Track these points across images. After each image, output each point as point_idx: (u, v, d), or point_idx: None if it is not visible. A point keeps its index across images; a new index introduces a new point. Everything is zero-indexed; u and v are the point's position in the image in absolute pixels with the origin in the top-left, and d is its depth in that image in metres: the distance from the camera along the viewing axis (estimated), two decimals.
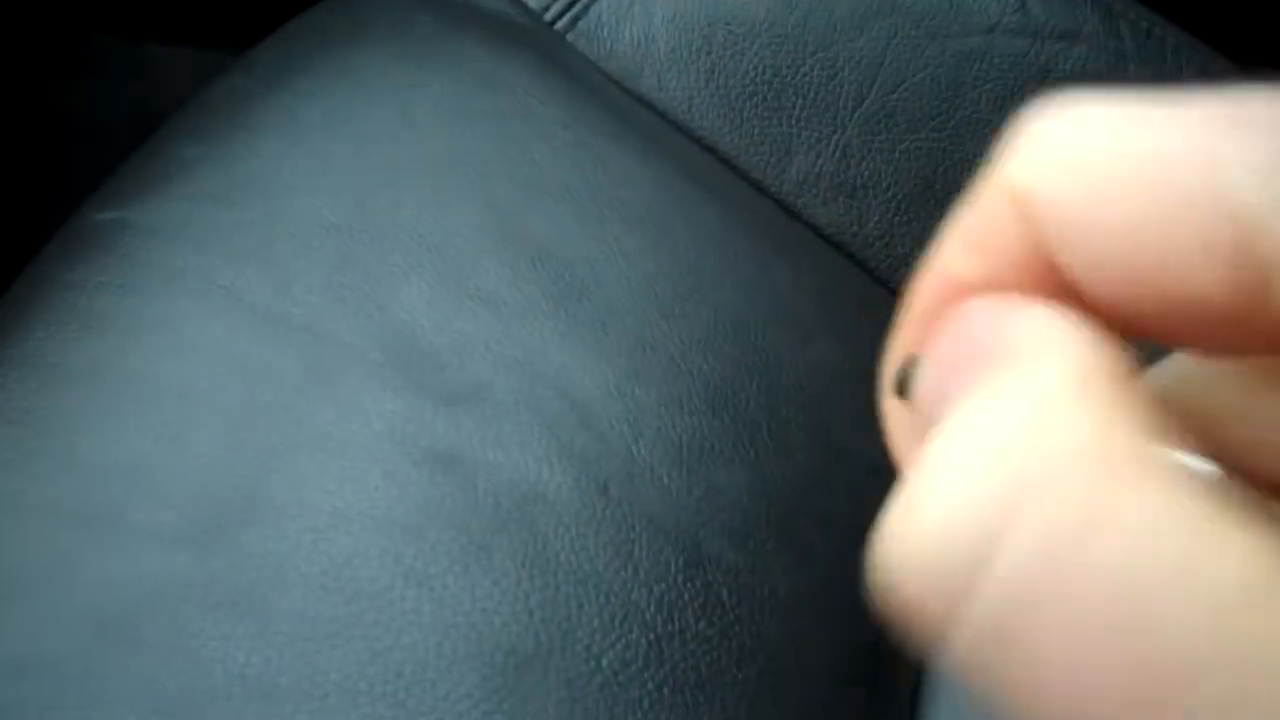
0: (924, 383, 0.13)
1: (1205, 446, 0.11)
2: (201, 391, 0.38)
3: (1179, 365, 0.14)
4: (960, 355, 0.12)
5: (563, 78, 0.49)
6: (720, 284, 0.44)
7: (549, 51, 0.51)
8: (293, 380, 0.38)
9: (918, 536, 0.11)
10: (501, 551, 0.36)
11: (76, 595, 0.34)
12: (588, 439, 0.38)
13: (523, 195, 0.44)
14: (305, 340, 0.39)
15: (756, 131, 0.51)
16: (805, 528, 0.39)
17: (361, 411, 0.38)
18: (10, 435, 0.37)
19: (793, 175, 0.50)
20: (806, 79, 0.50)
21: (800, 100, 0.50)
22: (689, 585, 0.37)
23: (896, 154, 0.50)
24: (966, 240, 0.13)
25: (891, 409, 0.14)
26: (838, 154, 0.50)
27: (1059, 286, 0.12)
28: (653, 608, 0.36)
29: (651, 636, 0.35)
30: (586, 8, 0.52)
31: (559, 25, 0.52)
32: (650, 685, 0.34)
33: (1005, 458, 0.11)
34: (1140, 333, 0.12)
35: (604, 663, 0.34)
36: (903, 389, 0.13)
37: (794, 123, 0.50)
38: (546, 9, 0.53)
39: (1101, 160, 0.12)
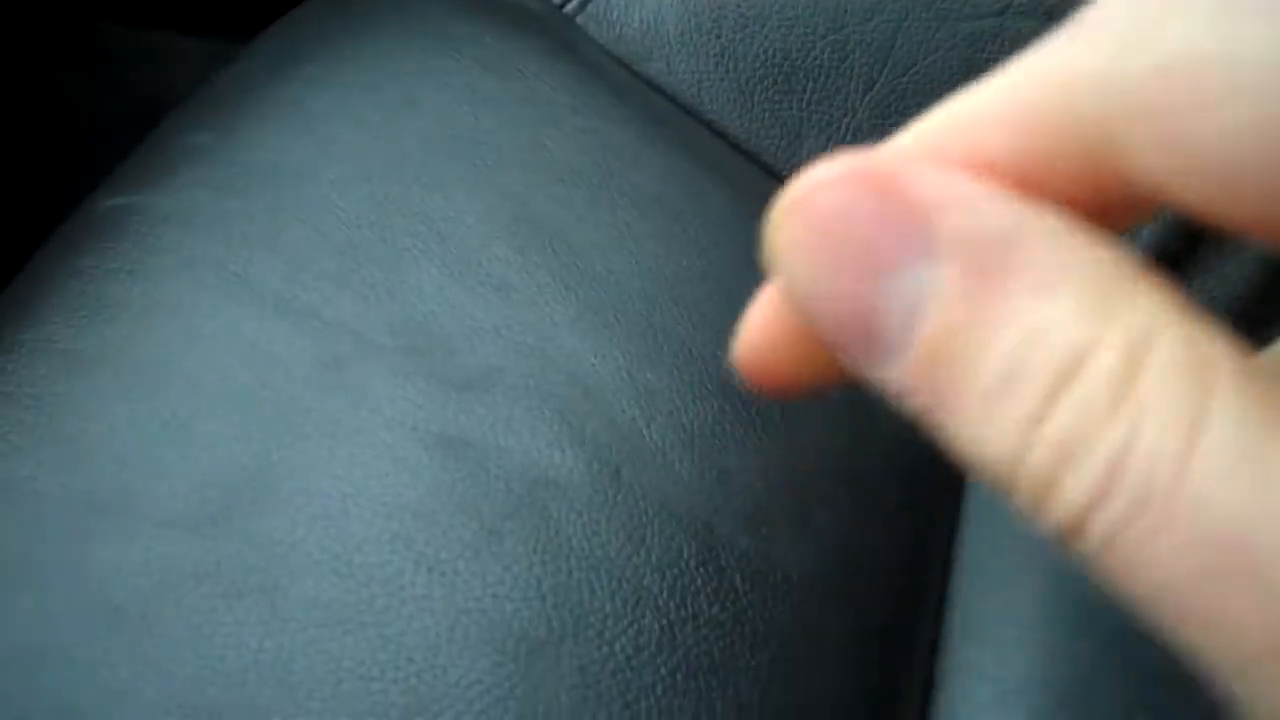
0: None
1: None
2: (212, 378, 0.38)
3: None
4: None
5: (572, 62, 0.49)
6: (731, 268, 0.43)
7: (558, 35, 0.50)
8: (303, 366, 0.38)
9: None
10: (513, 537, 0.35)
11: (87, 582, 0.34)
12: (599, 424, 0.38)
13: (532, 180, 0.44)
14: (315, 326, 0.39)
15: (767, 115, 0.50)
16: (818, 513, 0.39)
17: (372, 397, 0.38)
18: (20, 421, 0.37)
19: (804, 158, 0.50)
20: (817, 62, 0.50)
21: (811, 83, 0.50)
22: (701, 570, 0.36)
23: None
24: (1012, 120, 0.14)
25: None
26: (849, 137, 0.50)
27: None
28: (665, 593, 0.36)
29: (664, 622, 0.35)
30: None
31: (568, 8, 0.52)
32: (663, 670, 0.34)
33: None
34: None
35: (616, 648, 0.34)
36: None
37: (805, 106, 0.50)
38: None
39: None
